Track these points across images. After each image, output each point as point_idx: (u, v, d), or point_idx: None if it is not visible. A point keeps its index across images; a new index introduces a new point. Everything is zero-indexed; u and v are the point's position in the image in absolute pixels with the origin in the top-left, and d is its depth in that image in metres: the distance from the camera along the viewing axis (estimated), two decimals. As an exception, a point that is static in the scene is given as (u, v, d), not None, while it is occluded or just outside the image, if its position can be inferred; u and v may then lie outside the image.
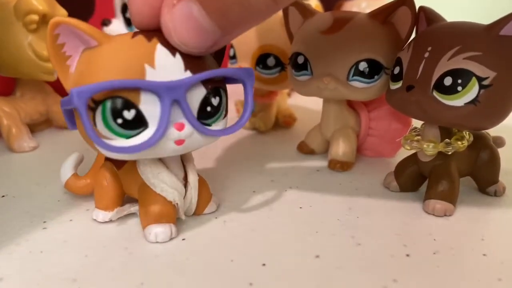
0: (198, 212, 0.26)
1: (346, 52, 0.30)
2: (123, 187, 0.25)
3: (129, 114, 0.19)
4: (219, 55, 0.24)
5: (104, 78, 0.19)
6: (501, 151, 0.29)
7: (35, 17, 0.34)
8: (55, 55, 0.20)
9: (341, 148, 0.34)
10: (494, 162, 0.29)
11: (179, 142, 0.21)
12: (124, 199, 0.26)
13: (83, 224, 0.25)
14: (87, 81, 0.19)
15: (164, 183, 0.23)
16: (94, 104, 0.19)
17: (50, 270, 0.21)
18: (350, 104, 0.35)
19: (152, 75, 0.19)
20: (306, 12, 0.33)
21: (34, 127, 0.40)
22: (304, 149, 0.37)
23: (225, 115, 0.23)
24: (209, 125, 0.22)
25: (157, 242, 0.23)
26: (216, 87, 0.22)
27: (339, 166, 0.33)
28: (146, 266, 0.21)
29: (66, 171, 0.27)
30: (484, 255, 0.23)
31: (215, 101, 0.22)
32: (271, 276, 0.21)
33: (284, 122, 0.45)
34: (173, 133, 0.20)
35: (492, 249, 0.23)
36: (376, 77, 0.30)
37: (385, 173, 0.32)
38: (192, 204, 0.25)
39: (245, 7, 0.18)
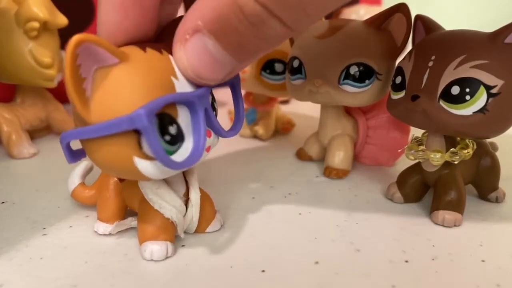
0: (200, 230, 0.25)
1: (337, 56, 0.30)
2: (125, 200, 0.25)
3: (173, 129, 0.19)
4: None
5: (140, 95, 0.18)
6: (499, 157, 0.30)
7: (36, 24, 0.34)
8: (73, 78, 0.18)
9: (336, 156, 0.34)
10: (494, 168, 0.29)
11: (208, 148, 0.21)
12: (127, 211, 0.26)
13: (83, 231, 0.25)
14: (122, 100, 0.18)
15: (162, 200, 0.22)
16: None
17: (50, 276, 0.21)
18: (348, 112, 0.35)
19: (179, 86, 0.19)
20: None
21: (34, 134, 0.40)
22: (303, 156, 0.37)
23: None
24: None
25: (152, 260, 0.22)
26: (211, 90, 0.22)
27: (334, 173, 0.33)
28: (146, 272, 0.21)
29: (74, 179, 0.27)
30: (482, 261, 0.23)
31: (215, 103, 0.22)
32: (271, 282, 0.21)
33: (282, 129, 0.45)
34: (206, 141, 0.20)
35: (491, 255, 0.23)
36: (367, 81, 0.30)
37: (384, 180, 0.32)
38: (193, 222, 0.24)
39: (262, 38, 0.18)
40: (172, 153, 0.19)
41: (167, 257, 0.22)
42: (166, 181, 0.23)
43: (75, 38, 0.17)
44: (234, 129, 0.23)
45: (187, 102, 0.19)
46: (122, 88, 0.18)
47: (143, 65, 0.19)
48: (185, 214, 0.23)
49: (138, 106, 0.18)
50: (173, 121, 0.19)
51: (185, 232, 0.24)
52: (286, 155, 0.38)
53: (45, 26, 0.35)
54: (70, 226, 0.26)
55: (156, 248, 0.22)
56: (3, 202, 0.28)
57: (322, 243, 0.24)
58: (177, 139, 0.20)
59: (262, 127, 0.42)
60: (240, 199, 0.29)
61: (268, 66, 0.38)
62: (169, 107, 0.19)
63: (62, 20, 0.36)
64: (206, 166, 0.35)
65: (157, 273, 0.21)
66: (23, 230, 0.25)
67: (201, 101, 0.20)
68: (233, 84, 0.23)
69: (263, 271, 0.22)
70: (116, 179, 0.25)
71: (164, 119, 0.19)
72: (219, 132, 0.22)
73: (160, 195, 0.22)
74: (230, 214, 0.27)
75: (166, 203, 0.22)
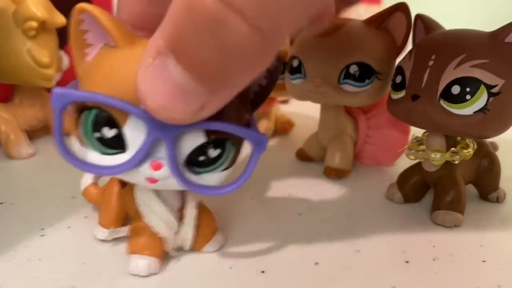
0: (196, 248, 0.23)
1: (337, 55, 0.30)
2: (125, 207, 0.24)
3: (108, 132, 0.18)
4: (258, 100, 0.21)
5: (101, 86, 0.17)
6: (499, 157, 0.29)
7: (34, 24, 0.34)
8: (75, 39, 0.18)
9: (336, 156, 0.34)
10: (495, 168, 0.29)
11: (151, 180, 0.18)
12: (128, 218, 0.25)
13: (82, 231, 0.25)
14: (89, 81, 0.18)
15: (152, 212, 0.21)
16: (83, 107, 0.18)
17: (49, 277, 0.21)
18: (348, 111, 0.35)
19: None
20: None
21: (32, 134, 0.40)
22: (303, 156, 0.37)
23: (227, 168, 0.20)
24: (198, 173, 0.19)
25: (136, 275, 0.21)
26: (222, 139, 0.19)
27: (334, 173, 0.33)
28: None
29: (87, 179, 0.26)
30: (483, 261, 0.23)
31: (213, 152, 0.19)
32: (270, 283, 0.21)
33: (282, 129, 0.45)
34: (146, 170, 0.18)
35: (492, 256, 0.23)
36: (367, 81, 0.30)
37: (384, 180, 0.32)
38: (186, 240, 0.22)
39: (226, 51, 0.14)
40: (104, 153, 0.18)
41: (150, 274, 0.21)
42: (160, 193, 0.21)
43: (78, 5, 0.17)
44: (211, 188, 0.20)
45: (137, 117, 0.17)
46: (97, 70, 0.18)
47: (127, 60, 0.17)
48: (178, 230, 0.22)
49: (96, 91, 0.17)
50: (114, 124, 0.18)
51: (180, 250, 0.23)
52: (285, 155, 0.38)
53: (43, 26, 0.35)
54: (69, 227, 0.25)
55: (141, 263, 0.21)
56: (1, 203, 0.28)
57: (322, 244, 0.24)
58: (114, 144, 0.18)
59: (262, 127, 0.42)
60: (239, 200, 0.29)
61: None
62: (117, 110, 0.17)
63: (60, 19, 0.36)
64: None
65: (156, 274, 0.21)
66: (21, 231, 0.25)
67: (156, 128, 0.17)
68: (253, 149, 0.20)
69: (262, 271, 0.22)
70: (119, 185, 0.24)
71: (100, 116, 0.18)
72: (175, 177, 0.18)
73: (151, 207, 0.21)
74: (229, 215, 0.27)
75: (155, 216, 0.21)
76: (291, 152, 0.39)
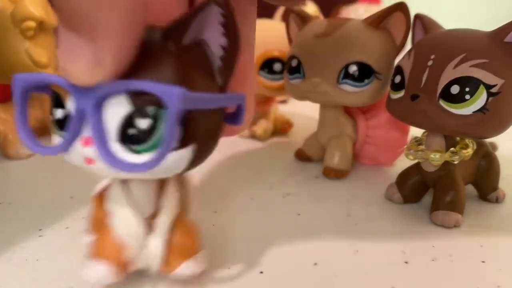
0: (166, 269, 0.19)
1: (336, 55, 0.30)
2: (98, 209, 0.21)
3: (58, 113, 0.17)
4: (228, 64, 0.18)
5: None
6: (499, 157, 0.29)
7: (32, 24, 0.34)
8: None
9: (336, 156, 0.34)
10: (494, 168, 0.29)
11: (88, 160, 0.16)
12: None
13: (80, 232, 0.25)
14: None
15: (116, 211, 0.18)
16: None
17: (47, 278, 0.21)
18: (348, 112, 0.35)
19: None
20: (305, 18, 0.33)
21: (30, 134, 0.40)
22: (302, 156, 0.37)
23: (182, 147, 0.16)
24: (138, 152, 0.16)
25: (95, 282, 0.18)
26: (151, 105, 0.15)
27: (333, 174, 0.33)
28: (143, 274, 0.21)
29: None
30: (483, 262, 0.23)
31: (142, 122, 0.15)
32: (269, 284, 0.21)
33: (281, 129, 0.45)
34: (79, 148, 0.16)
35: (491, 256, 0.23)
36: (366, 81, 0.30)
37: (383, 180, 0.32)
38: (154, 256, 0.19)
39: None
40: (60, 135, 0.17)
41: (104, 283, 0.18)
42: (131, 195, 0.18)
43: None
44: (138, 164, 0.15)
45: (67, 90, 0.16)
46: None
47: None
48: (145, 243, 0.19)
49: None
50: (61, 105, 0.16)
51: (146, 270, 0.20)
52: (285, 156, 0.38)
53: (41, 26, 0.35)
54: (67, 227, 0.25)
55: (96, 269, 0.18)
56: (-1, 203, 0.28)
57: (321, 244, 0.24)
58: (65, 125, 0.16)
59: (260, 127, 0.42)
60: (238, 200, 0.29)
61: (266, 65, 0.38)
62: (62, 89, 0.16)
63: (58, 19, 0.36)
64: (204, 167, 0.35)
65: (155, 274, 0.21)
66: (19, 231, 0.25)
67: (79, 98, 0.15)
68: (164, 104, 0.15)
69: (261, 272, 0.22)
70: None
71: (53, 97, 0.17)
72: (100, 151, 0.15)
73: (117, 205, 0.18)
74: (228, 215, 0.27)
75: (119, 218, 0.18)
76: (290, 152, 0.39)
